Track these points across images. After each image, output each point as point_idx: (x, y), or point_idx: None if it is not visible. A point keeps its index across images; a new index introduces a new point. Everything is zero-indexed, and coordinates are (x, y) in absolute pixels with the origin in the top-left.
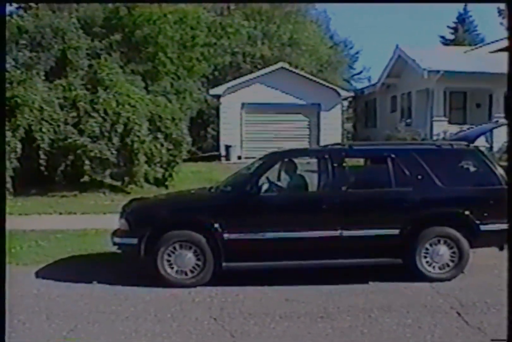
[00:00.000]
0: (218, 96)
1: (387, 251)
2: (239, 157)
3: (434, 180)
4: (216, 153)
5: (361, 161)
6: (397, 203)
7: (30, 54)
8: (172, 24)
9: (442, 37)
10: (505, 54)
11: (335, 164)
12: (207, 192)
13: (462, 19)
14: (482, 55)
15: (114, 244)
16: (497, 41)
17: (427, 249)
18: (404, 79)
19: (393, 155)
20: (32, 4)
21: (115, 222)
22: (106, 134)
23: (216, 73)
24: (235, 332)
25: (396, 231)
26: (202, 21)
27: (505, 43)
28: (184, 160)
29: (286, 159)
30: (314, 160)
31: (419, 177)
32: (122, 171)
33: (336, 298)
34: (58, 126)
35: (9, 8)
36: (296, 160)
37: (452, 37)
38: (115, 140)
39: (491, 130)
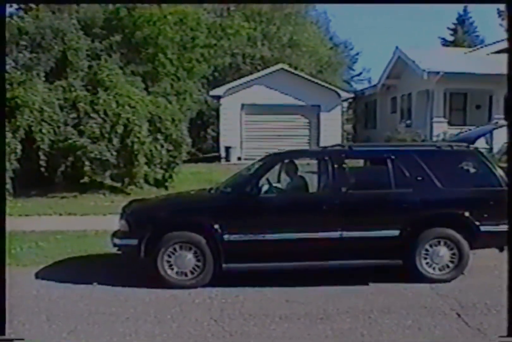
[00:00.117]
0: (218, 97)
1: (387, 252)
2: (239, 158)
3: (434, 181)
4: (216, 154)
5: (361, 162)
6: (397, 204)
7: (30, 55)
8: (172, 25)
9: (442, 38)
10: (505, 56)
11: (335, 166)
12: (207, 193)
13: (462, 20)
14: (482, 57)
15: (114, 245)
16: (497, 42)
17: (427, 250)
18: (404, 80)
19: (393, 157)
20: (33, 5)
21: (115, 223)
22: (106, 135)
23: (216, 74)
24: (235, 333)
25: (396, 232)
26: (202, 22)
27: (505, 45)
28: (184, 162)
29: (286, 161)
30: (314, 161)
31: (419, 178)
32: (122, 172)
33: (336, 299)
34: (58, 127)
35: (9, 9)
36: (296, 161)
37: (452, 38)
38: (115, 141)
39: (491, 132)
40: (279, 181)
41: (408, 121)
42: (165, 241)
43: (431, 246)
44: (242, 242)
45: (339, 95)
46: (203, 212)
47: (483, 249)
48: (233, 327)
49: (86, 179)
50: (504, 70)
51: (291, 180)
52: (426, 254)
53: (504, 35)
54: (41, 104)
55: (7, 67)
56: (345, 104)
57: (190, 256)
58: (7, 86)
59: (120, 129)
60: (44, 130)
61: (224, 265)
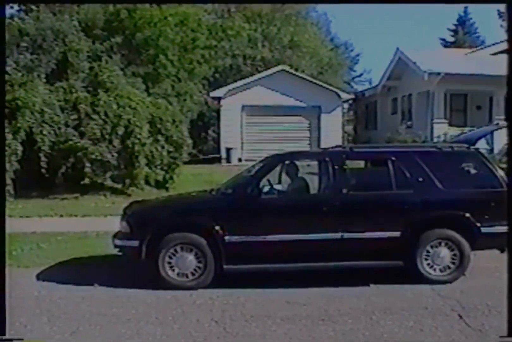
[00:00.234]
0: (218, 99)
1: (388, 253)
2: (240, 160)
3: (435, 182)
4: (216, 155)
5: (361, 163)
6: (398, 205)
7: (31, 57)
8: (173, 26)
9: (443, 39)
10: (505, 56)
11: (336, 167)
12: (208, 194)
13: (462, 21)
14: (483, 58)
15: (115, 246)
16: (497, 43)
17: (428, 251)
18: (405, 81)
19: (393, 158)
20: (33, 7)
21: (116, 224)
22: (107, 136)
23: (217, 75)
24: (236, 334)
25: (397, 233)
26: (203, 23)
27: (505, 45)
28: (185, 163)
29: (287, 162)
30: (315, 162)
31: (420, 179)
32: (123, 173)
33: (337, 300)
34: (59, 128)
35: (10, 10)
36: (297, 162)
37: (452, 39)
38: (116, 142)
39: (491, 133)
40: (280, 182)
41: (409, 123)
42: (166, 242)
43: (432, 247)
44: (243, 243)
45: (339, 96)
46: (204, 213)
47: (484, 250)
48: (235, 328)
49: (86, 180)
50: (505, 71)
51: (291, 181)
52: (427, 255)
53: (505, 36)
54: (41, 105)
55: (8, 68)
56: (346, 105)
57: (191, 257)
58: (8, 88)
59: (120, 130)
60: (44, 132)
61: (225, 266)
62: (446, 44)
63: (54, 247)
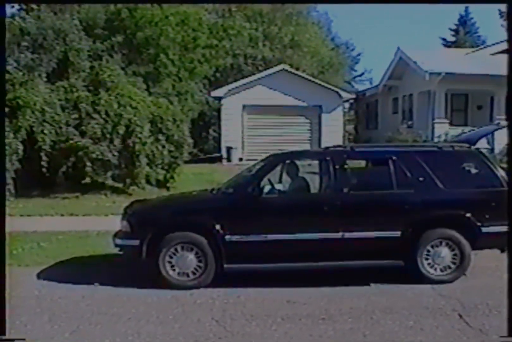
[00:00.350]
0: (219, 98)
1: (388, 253)
2: (240, 159)
3: (436, 181)
4: (217, 155)
5: (362, 163)
6: (398, 205)
7: (32, 56)
8: (174, 26)
9: (443, 39)
10: (506, 56)
11: (336, 166)
12: (209, 193)
13: (463, 21)
14: (484, 57)
15: (116, 245)
16: (498, 43)
17: (428, 251)
18: (406, 81)
19: (394, 157)
20: (34, 6)
21: (116, 223)
22: (108, 136)
23: (218, 75)
24: (236, 333)
25: (398, 233)
26: (204, 23)
27: (506, 45)
28: (186, 162)
29: (287, 161)
30: (316, 162)
31: (421, 179)
32: (124, 172)
33: (338, 300)
34: (60, 127)
35: (11, 10)
36: (297, 162)
37: (453, 39)
38: (117, 142)
39: (492, 132)
40: (280, 182)
41: (410, 122)
42: (167, 242)
43: (432, 246)
44: (244, 243)
45: (340, 96)
46: (204, 212)
47: (484, 249)
48: (235, 328)
49: (87, 180)
50: (505, 71)
51: (292, 180)
52: (428, 255)
53: (506, 36)
54: (42, 104)
55: (9, 67)
56: (347, 105)
57: (191, 256)
58: (9, 87)
59: (121, 129)
60: (45, 131)
61: (225, 266)
62: (447, 44)
63: (55, 246)
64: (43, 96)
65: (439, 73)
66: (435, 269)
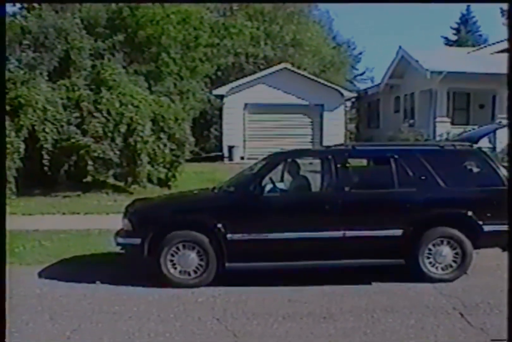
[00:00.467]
0: (221, 97)
1: (390, 251)
2: (242, 158)
3: (437, 180)
4: (219, 153)
5: (364, 162)
6: (400, 203)
7: (33, 55)
8: (175, 24)
9: (445, 38)
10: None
11: (338, 165)
12: (211, 192)
13: (465, 20)
14: (485, 56)
15: (117, 244)
16: (500, 42)
17: (430, 249)
18: (407, 80)
19: (396, 156)
20: (36, 5)
21: (118, 222)
22: (109, 134)
23: (219, 73)
24: (238, 332)
25: (399, 232)
26: (205, 21)
27: (507, 44)
28: (187, 161)
29: (289, 160)
30: (317, 161)
31: (422, 177)
32: (125, 171)
33: (339, 298)
34: (61, 126)
35: (13, 8)
36: (299, 161)
37: (455, 38)
38: (118, 140)
39: (494, 131)
40: (282, 180)
41: (411, 121)
42: (168, 240)
43: (434, 245)
44: (245, 241)
45: (342, 94)
46: (206, 211)
47: (486, 248)
48: (236, 326)
49: (89, 178)
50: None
51: (294, 179)
52: (429, 254)
53: (507, 35)
54: (44, 103)
55: (11, 66)
56: (348, 103)
57: (193, 255)
58: (11, 86)
59: (123, 128)
60: (47, 130)
61: (227, 264)
62: (449, 43)
63: (56, 245)
64: (45, 95)
65: (441, 72)
66: (437, 268)
